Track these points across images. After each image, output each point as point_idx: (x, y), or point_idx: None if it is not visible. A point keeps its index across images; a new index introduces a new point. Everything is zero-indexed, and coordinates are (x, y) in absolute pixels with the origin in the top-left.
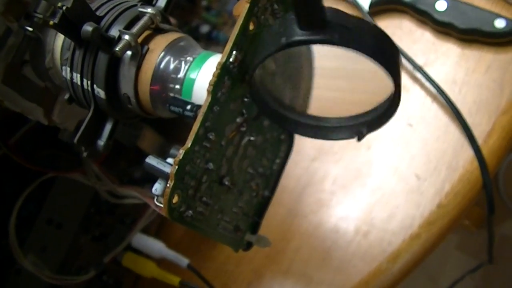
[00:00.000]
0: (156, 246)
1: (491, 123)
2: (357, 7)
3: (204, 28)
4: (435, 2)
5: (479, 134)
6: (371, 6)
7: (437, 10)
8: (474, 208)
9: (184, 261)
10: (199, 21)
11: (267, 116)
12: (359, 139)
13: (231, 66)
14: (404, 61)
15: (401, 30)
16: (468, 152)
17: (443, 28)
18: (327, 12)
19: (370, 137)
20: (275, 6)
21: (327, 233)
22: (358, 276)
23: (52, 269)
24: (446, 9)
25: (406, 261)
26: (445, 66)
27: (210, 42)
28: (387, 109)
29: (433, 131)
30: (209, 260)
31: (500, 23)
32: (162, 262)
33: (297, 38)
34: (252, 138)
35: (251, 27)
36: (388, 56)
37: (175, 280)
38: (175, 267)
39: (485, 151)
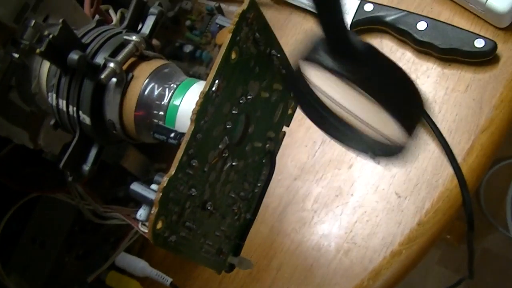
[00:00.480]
0: (139, 265)
1: (471, 141)
2: None
3: (188, 48)
4: (416, 22)
5: (458, 152)
6: (352, 26)
7: (417, 30)
8: (456, 223)
9: (167, 279)
10: (183, 40)
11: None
12: (372, 158)
13: (214, 95)
14: None
15: (382, 50)
16: (448, 170)
17: (423, 47)
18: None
19: (352, 156)
20: (257, 35)
21: (309, 251)
22: None
23: None
24: (426, 29)
25: (387, 278)
26: (425, 85)
27: (194, 61)
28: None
29: (413, 149)
30: (192, 278)
31: (479, 43)
32: (146, 281)
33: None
34: (234, 163)
35: (233, 56)
36: (408, 115)
37: None
38: (159, 286)
39: (464, 169)
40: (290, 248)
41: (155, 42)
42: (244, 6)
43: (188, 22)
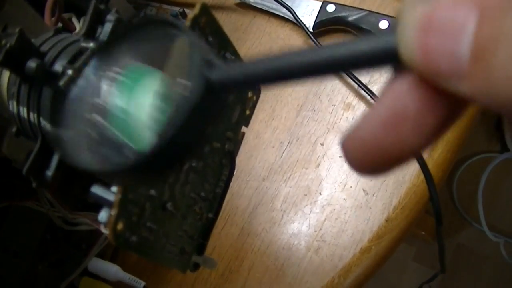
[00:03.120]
0: (112, 269)
1: None
2: (302, 27)
3: None
4: (378, 21)
5: None
6: (315, 26)
7: (379, 29)
8: (430, 219)
9: (140, 283)
10: None
11: None
12: None
13: None
14: (349, 79)
15: None
16: (414, 166)
17: None
18: None
19: (319, 155)
20: (210, 39)
21: (280, 251)
22: None
23: None
24: (388, 27)
25: (358, 274)
26: None
27: None
28: None
29: None
30: (165, 282)
31: None
32: (119, 286)
33: None
34: (193, 164)
35: None
36: None
37: None
38: None
39: (430, 164)
40: (261, 248)
41: None
42: (196, 11)
43: None
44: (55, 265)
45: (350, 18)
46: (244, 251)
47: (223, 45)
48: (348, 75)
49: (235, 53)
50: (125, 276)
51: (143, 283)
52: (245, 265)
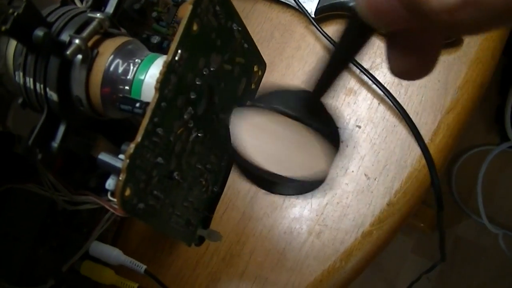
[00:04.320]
0: (113, 253)
1: (437, 122)
2: (304, 14)
3: (155, 39)
4: None
5: (425, 133)
6: (316, 12)
7: None
8: (428, 211)
9: (141, 266)
10: (150, 32)
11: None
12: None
13: (177, 64)
14: (351, 65)
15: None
16: (415, 151)
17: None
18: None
19: None
20: (217, 8)
21: (281, 235)
22: (312, 276)
23: (10, 281)
24: None
25: (359, 259)
26: None
27: (161, 53)
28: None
29: (381, 132)
30: (166, 266)
31: None
32: (120, 269)
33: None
34: (200, 134)
35: (194, 27)
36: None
37: (133, 286)
38: (133, 274)
39: (432, 149)
40: (262, 232)
41: (122, 32)
42: None
43: (154, 14)
44: (56, 249)
45: (352, 3)
46: (246, 235)
47: (230, 16)
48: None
49: (241, 24)
50: (126, 260)
51: (144, 267)
52: (246, 250)
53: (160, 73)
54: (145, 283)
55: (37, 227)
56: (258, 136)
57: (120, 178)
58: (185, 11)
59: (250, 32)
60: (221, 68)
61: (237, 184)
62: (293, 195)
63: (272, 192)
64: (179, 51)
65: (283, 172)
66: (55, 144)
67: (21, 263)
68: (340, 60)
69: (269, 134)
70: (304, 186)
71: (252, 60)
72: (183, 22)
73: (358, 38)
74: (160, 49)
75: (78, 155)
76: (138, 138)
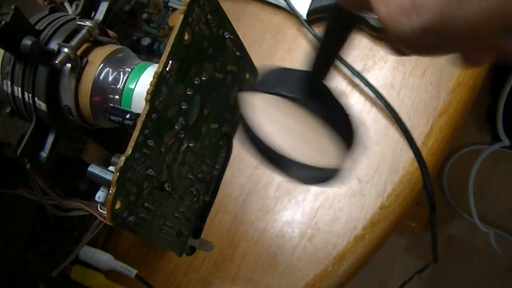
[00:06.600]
0: (103, 258)
1: (429, 124)
2: (296, 15)
3: (146, 41)
4: None
5: (418, 136)
6: (309, 14)
7: (373, 17)
8: (420, 211)
9: (132, 271)
10: (140, 34)
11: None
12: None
13: (168, 75)
14: (343, 67)
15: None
16: (408, 154)
17: (380, 34)
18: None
19: None
20: (209, 16)
21: (273, 239)
22: (304, 280)
23: (0, 286)
24: None
25: (351, 262)
26: (382, 71)
27: (152, 54)
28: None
29: (373, 135)
30: (157, 270)
31: None
32: (111, 274)
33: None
34: (191, 145)
35: (186, 36)
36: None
37: None
38: (124, 278)
39: (424, 152)
40: (254, 236)
41: (112, 34)
42: None
43: (145, 15)
44: (46, 254)
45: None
46: (237, 239)
47: (222, 23)
48: (342, 63)
49: (233, 32)
50: (117, 264)
51: (135, 271)
52: (238, 253)
53: (151, 84)
54: (136, 287)
55: (27, 231)
56: (274, 117)
57: (110, 192)
58: (176, 19)
59: (241, 35)
60: (213, 77)
61: (228, 187)
62: (299, 181)
63: (279, 172)
64: (170, 61)
65: (295, 155)
66: (44, 154)
67: (11, 268)
68: (330, 46)
69: (285, 118)
70: (314, 176)
71: (244, 68)
72: (174, 32)
73: (343, 27)
74: (151, 51)
75: (68, 159)
76: (129, 150)
